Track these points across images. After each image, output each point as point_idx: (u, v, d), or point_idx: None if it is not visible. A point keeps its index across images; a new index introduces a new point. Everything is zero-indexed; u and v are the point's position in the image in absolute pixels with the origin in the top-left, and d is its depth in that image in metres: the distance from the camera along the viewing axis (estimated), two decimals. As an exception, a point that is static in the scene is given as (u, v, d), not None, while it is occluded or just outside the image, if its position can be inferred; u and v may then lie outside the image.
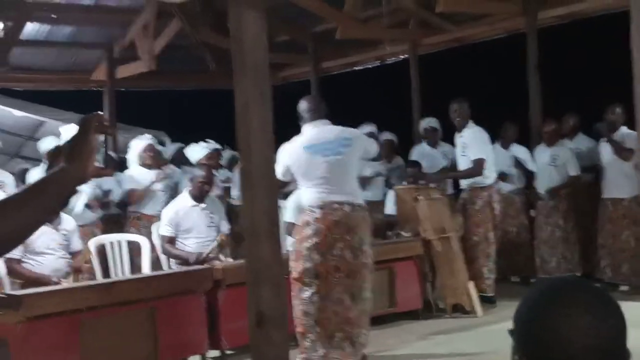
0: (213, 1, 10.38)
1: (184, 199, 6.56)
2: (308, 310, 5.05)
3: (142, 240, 6.69)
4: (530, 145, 8.74)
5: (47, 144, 8.00)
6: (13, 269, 5.79)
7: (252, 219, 4.43)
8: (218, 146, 8.45)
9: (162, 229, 6.50)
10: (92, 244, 6.53)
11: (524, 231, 8.57)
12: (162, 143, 9.91)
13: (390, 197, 7.95)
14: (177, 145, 9.45)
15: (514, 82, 9.90)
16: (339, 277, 5.03)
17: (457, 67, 12.90)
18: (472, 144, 7.44)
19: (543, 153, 8.37)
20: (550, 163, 8.25)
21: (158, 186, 7.67)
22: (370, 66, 12.46)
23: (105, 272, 6.48)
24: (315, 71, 12.23)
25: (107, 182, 7.86)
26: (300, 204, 5.43)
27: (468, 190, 7.56)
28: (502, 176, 8.11)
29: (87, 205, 7.39)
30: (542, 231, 8.29)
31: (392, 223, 7.78)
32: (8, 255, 5.32)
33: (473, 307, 7.05)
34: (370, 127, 8.64)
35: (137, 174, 7.74)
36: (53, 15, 10.22)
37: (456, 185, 8.23)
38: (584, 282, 1.52)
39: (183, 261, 6.33)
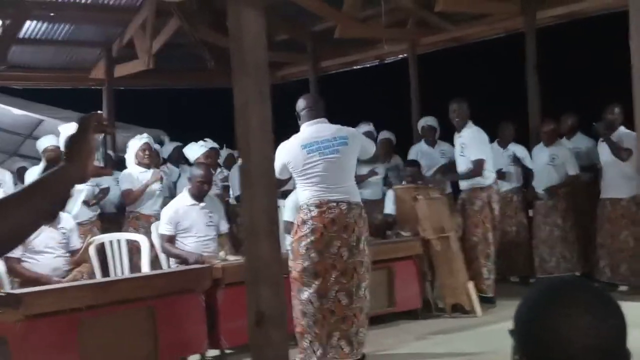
0: None
1: (184, 198, 6.56)
2: (306, 310, 5.06)
3: (141, 239, 6.68)
4: (529, 145, 8.75)
5: (45, 142, 8.00)
6: (12, 268, 5.78)
7: (252, 218, 4.44)
8: (216, 145, 8.45)
9: (161, 227, 6.49)
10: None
11: (522, 231, 8.57)
12: (161, 142, 9.91)
13: (390, 196, 7.95)
14: (175, 144, 9.46)
15: (513, 82, 9.91)
16: (336, 276, 5.04)
17: (455, 66, 12.91)
18: (471, 144, 7.43)
19: (542, 153, 8.37)
20: (549, 162, 8.25)
21: (155, 186, 7.66)
22: (369, 65, 12.47)
23: (105, 271, 6.48)
24: (314, 70, 12.23)
25: (105, 181, 7.87)
26: (298, 203, 5.44)
27: (467, 191, 7.55)
28: (501, 174, 8.11)
29: (85, 203, 7.40)
30: (541, 231, 8.29)
31: (391, 222, 7.78)
32: (7, 254, 5.32)
33: (472, 307, 7.05)
34: (367, 126, 8.62)
35: (134, 173, 7.73)
36: (51, 14, 10.22)
37: (455, 185, 8.22)
38: (583, 282, 1.52)
39: (182, 260, 6.33)
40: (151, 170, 7.75)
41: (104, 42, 11.28)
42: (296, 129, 5.35)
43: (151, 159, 7.87)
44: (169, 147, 9.49)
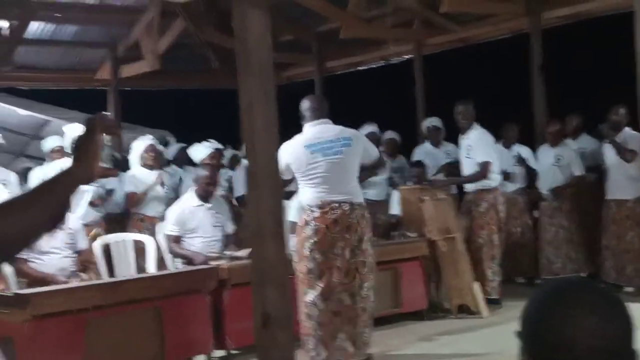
0: (217, 0, 10.38)
1: (190, 199, 6.57)
2: (311, 312, 5.07)
3: (147, 239, 6.69)
4: (534, 146, 8.73)
5: (51, 143, 8.01)
6: (19, 269, 5.79)
7: (257, 219, 4.44)
8: (220, 146, 8.45)
9: (168, 228, 6.51)
10: (98, 243, 6.54)
11: (528, 232, 8.54)
12: (166, 143, 9.91)
13: (395, 197, 7.93)
14: (179, 145, 9.46)
15: (518, 83, 9.90)
16: (339, 276, 5.04)
17: (461, 67, 12.90)
18: (477, 146, 7.40)
19: (547, 153, 8.35)
20: (554, 163, 8.23)
21: (159, 188, 7.66)
22: (374, 66, 12.47)
23: (111, 272, 6.49)
24: (319, 71, 12.24)
25: (111, 182, 7.87)
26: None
27: (473, 193, 7.52)
28: (506, 175, 8.10)
29: (91, 204, 7.40)
30: (546, 232, 8.27)
31: (396, 223, 7.77)
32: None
33: (478, 308, 7.04)
34: (371, 127, 8.63)
35: (139, 175, 7.74)
36: (57, 15, 10.25)
37: (461, 186, 8.21)
38: (589, 283, 1.51)
39: (189, 261, 6.34)
40: (155, 172, 7.75)
41: (109, 43, 11.30)
42: (301, 130, 5.36)
43: (156, 160, 7.87)
44: (173, 149, 9.49)
